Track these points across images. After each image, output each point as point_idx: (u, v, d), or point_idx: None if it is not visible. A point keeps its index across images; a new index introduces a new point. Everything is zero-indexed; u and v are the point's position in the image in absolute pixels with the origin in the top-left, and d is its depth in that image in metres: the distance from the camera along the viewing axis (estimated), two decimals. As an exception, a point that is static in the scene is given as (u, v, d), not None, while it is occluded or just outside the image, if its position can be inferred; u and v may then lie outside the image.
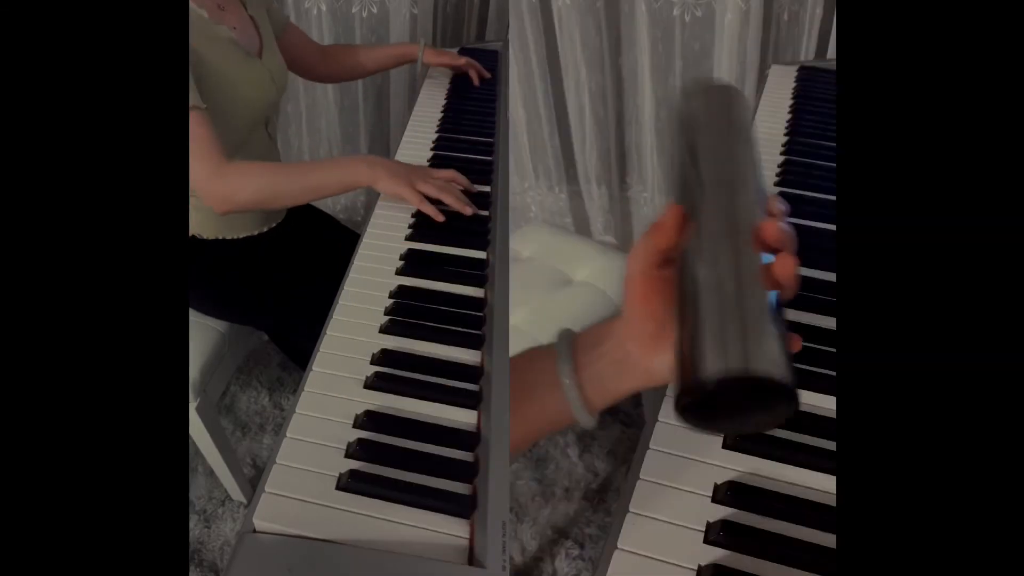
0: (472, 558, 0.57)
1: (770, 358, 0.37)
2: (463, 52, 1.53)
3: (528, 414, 0.51)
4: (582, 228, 1.92)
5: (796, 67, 1.23)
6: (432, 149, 1.18)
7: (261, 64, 1.11)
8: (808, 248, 0.82)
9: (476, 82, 1.40)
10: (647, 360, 0.46)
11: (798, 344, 0.41)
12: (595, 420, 0.50)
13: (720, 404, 0.39)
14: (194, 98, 0.95)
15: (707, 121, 0.46)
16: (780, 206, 0.43)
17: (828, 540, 0.53)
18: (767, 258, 0.40)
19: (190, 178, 0.95)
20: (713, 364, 0.37)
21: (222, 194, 0.98)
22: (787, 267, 0.40)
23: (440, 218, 0.97)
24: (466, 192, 1.01)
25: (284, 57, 1.22)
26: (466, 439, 0.67)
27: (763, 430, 0.43)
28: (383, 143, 1.93)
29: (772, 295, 0.39)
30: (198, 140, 0.95)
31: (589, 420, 0.50)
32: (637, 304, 0.45)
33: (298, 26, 1.36)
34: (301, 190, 1.01)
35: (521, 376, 0.51)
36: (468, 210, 0.98)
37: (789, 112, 1.10)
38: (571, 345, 0.50)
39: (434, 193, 0.98)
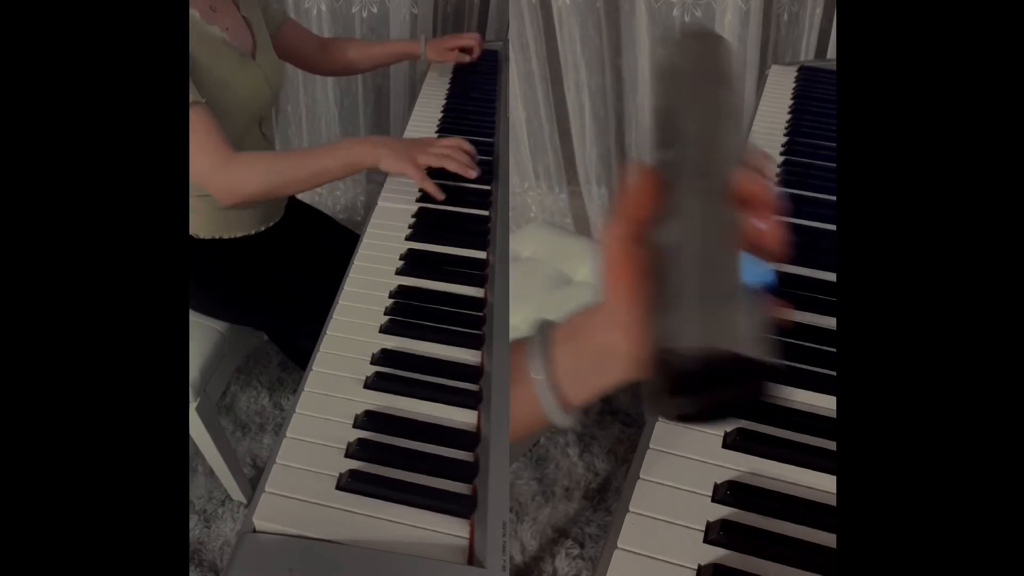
0: (472, 558, 0.58)
1: (734, 329, 0.32)
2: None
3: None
4: (582, 228, 1.92)
5: (796, 67, 1.23)
6: (432, 149, 1.18)
7: (255, 65, 1.11)
8: (808, 248, 0.82)
9: (475, 55, 1.42)
10: (634, 349, 0.39)
11: (785, 314, 0.36)
12: (573, 420, 0.46)
13: (680, 382, 0.34)
14: (193, 94, 0.96)
15: (686, 70, 0.41)
16: (762, 160, 0.38)
17: (828, 540, 0.53)
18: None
19: (195, 172, 0.96)
20: (672, 337, 0.33)
21: (228, 185, 0.98)
22: (771, 229, 0.35)
23: (440, 196, 0.99)
24: (470, 157, 1.02)
25: (284, 52, 1.22)
26: (466, 439, 0.67)
27: (736, 414, 0.37)
28: (383, 143, 1.93)
29: (751, 260, 0.35)
30: (201, 133, 0.96)
31: (565, 419, 0.46)
32: (619, 287, 0.39)
33: (297, 20, 1.36)
34: (307, 176, 1.01)
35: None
36: (472, 173, 1.00)
37: (789, 112, 1.10)
38: (547, 339, 0.45)
39: (435, 162, 0.99)
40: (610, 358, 0.43)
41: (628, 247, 0.39)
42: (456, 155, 1.00)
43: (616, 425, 1.51)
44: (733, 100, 0.40)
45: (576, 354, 0.45)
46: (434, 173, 1.01)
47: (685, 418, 0.37)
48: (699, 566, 0.52)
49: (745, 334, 0.33)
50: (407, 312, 0.81)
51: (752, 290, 0.34)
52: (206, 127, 0.96)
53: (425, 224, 0.97)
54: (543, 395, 0.45)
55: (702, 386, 0.34)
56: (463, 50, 1.42)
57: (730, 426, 0.61)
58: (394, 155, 0.98)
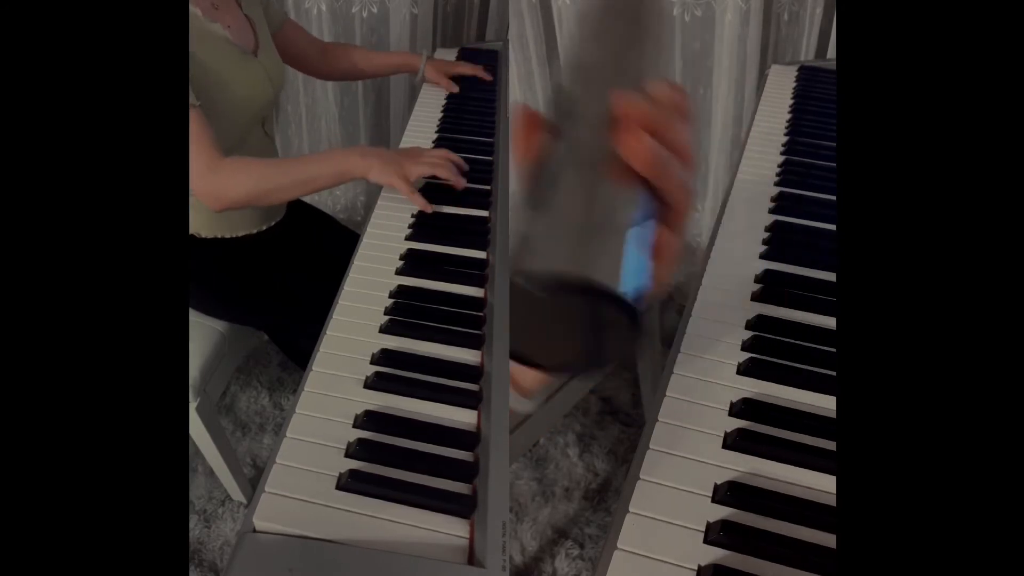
0: (472, 558, 0.58)
1: (607, 265, 0.30)
2: (463, 52, 1.53)
3: None
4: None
5: (796, 67, 1.23)
6: (432, 149, 1.18)
7: (257, 63, 1.10)
8: (808, 248, 0.82)
9: (488, 77, 1.40)
10: None
11: (667, 256, 0.34)
12: (531, 405, 0.45)
13: (550, 320, 0.31)
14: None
15: (596, 9, 0.39)
16: (665, 89, 0.34)
17: (828, 540, 0.53)
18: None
19: None
20: (536, 265, 0.30)
21: (215, 191, 0.97)
22: (634, 145, 0.31)
23: (429, 209, 0.99)
24: (459, 169, 1.03)
25: (283, 53, 1.22)
26: (466, 439, 0.67)
27: (601, 366, 0.33)
28: (383, 143, 1.93)
29: (627, 193, 0.32)
30: (192, 137, 0.95)
31: (521, 404, 0.44)
32: None
33: (297, 22, 1.36)
34: (295, 183, 1.00)
35: None
36: (461, 183, 1.01)
37: (789, 112, 1.10)
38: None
39: (427, 171, 1.00)
40: None
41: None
42: (448, 164, 1.01)
43: (616, 425, 1.51)
44: (637, 36, 0.38)
45: None
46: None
47: (551, 366, 0.34)
48: (699, 567, 0.52)
49: (607, 266, 0.30)
50: (407, 312, 0.81)
51: (636, 230, 0.32)
52: (197, 131, 0.95)
53: (425, 224, 0.97)
54: None
55: (550, 313, 0.31)
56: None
57: (731, 431, 0.61)
58: (383, 167, 0.98)
